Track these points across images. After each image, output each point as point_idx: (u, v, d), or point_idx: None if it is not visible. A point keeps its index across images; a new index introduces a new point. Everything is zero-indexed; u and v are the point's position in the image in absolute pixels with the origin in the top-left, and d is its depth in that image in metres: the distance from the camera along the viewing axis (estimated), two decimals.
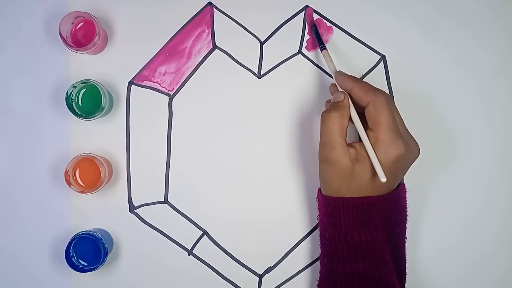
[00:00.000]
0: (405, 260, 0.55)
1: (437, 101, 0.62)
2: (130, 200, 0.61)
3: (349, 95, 0.53)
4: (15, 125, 0.61)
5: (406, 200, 0.55)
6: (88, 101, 0.59)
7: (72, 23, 0.59)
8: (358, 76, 0.62)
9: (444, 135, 0.62)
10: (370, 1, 0.62)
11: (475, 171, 0.62)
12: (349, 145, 0.51)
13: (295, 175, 0.61)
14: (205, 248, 0.61)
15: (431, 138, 0.62)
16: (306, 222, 0.61)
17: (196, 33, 0.62)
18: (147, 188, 0.61)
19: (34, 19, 0.61)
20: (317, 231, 0.61)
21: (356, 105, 0.52)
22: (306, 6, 0.62)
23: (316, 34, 0.60)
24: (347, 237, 0.50)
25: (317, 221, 0.61)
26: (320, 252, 0.54)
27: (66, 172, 0.57)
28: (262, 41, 0.62)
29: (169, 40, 0.61)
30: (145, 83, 0.61)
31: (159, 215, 0.61)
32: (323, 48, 0.58)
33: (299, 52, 0.62)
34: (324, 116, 0.51)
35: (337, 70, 0.55)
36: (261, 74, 0.62)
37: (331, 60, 0.57)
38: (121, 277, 0.60)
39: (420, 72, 0.62)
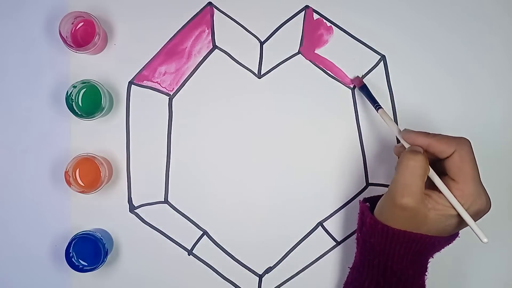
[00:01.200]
0: None
1: (437, 101, 0.62)
2: (130, 200, 0.61)
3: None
4: (15, 125, 0.61)
5: (447, 244, 0.52)
6: (88, 101, 0.59)
7: (72, 23, 0.59)
8: (358, 77, 0.62)
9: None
10: (370, 1, 0.62)
11: None
12: (425, 192, 0.47)
13: (296, 175, 0.61)
14: (205, 248, 0.61)
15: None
16: (306, 222, 0.61)
17: (196, 33, 0.62)
18: (147, 188, 0.61)
19: (34, 19, 0.61)
20: (317, 232, 0.61)
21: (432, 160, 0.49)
22: (306, 6, 0.62)
23: (368, 94, 0.58)
24: (402, 271, 0.48)
25: (316, 222, 0.61)
26: (353, 265, 0.54)
27: (66, 172, 0.57)
28: (262, 41, 0.62)
29: (169, 40, 0.61)
30: (145, 83, 0.61)
31: (159, 215, 0.61)
32: (378, 107, 0.56)
33: (299, 52, 0.62)
34: (410, 155, 0.47)
35: (403, 129, 0.52)
36: (261, 74, 0.62)
37: (391, 118, 0.55)
38: (121, 277, 0.60)
39: (420, 72, 0.62)
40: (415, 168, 0.46)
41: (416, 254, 0.48)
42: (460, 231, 0.50)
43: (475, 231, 0.46)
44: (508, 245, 0.62)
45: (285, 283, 0.61)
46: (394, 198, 0.47)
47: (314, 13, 0.62)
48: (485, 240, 0.45)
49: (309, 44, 0.62)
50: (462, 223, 0.48)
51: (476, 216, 0.47)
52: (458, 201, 0.46)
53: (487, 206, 0.47)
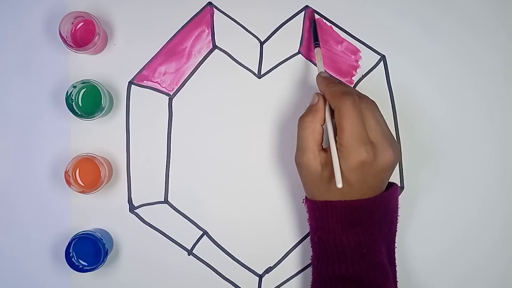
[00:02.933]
0: (394, 261, 0.55)
1: (437, 101, 0.62)
2: (130, 200, 0.61)
3: None
4: (15, 125, 0.61)
5: (397, 202, 0.55)
6: (88, 101, 0.59)
7: (72, 23, 0.59)
8: (358, 76, 0.62)
9: (444, 135, 0.62)
10: (370, 1, 0.62)
11: (476, 171, 0.62)
12: (324, 149, 0.51)
13: (296, 175, 0.61)
14: (205, 248, 0.61)
15: (431, 138, 0.62)
16: (306, 222, 0.61)
17: (196, 33, 0.62)
18: (147, 188, 0.61)
19: (34, 19, 0.61)
20: None
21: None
22: (306, 6, 0.62)
23: (314, 30, 0.59)
24: (335, 240, 0.50)
25: None
26: (311, 255, 0.54)
27: (66, 172, 0.57)
28: (262, 41, 0.62)
29: (169, 40, 0.61)
30: (145, 83, 0.61)
31: (159, 215, 0.61)
32: (316, 45, 0.58)
33: (299, 52, 0.62)
34: (299, 121, 0.52)
35: (322, 71, 0.55)
36: (261, 74, 0.62)
37: (321, 59, 0.57)
38: (121, 277, 0.60)
39: (420, 72, 0.62)
40: (303, 131, 0.51)
41: (347, 222, 0.50)
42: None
43: (335, 174, 0.48)
44: (509, 245, 0.62)
45: (285, 283, 0.61)
46: (295, 162, 0.52)
47: (314, 13, 0.62)
48: (339, 185, 0.47)
49: (309, 44, 0.62)
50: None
51: (364, 168, 0.48)
52: (338, 153, 0.49)
53: (376, 158, 0.49)
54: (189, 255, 0.61)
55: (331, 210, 0.50)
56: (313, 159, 0.50)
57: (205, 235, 0.61)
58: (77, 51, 0.58)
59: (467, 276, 0.61)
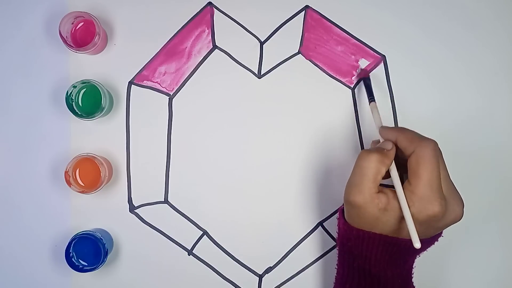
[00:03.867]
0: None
1: (437, 101, 0.62)
2: (130, 200, 0.61)
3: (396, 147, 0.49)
4: (15, 125, 0.61)
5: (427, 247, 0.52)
6: (88, 101, 0.59)
7: (72, 23, 0.59)
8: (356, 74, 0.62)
9: (444, 134, 0.62)
10: (370, 1, 0.62)
11: (475, 171, 0.62)
12: (381, 191, 0.47)
13: (295, 175, 0.61)
14: (205, 248, 0.61)
15: (430, 138, 0.61)
16: (306, 222, 0.61)
17: (196, 33, 0.62)
18: (147, 188, 0.61)
19: (34, 19, 0.61)
20: (317, 232, 0.61)
21: (402, 158, 0.49)
22: (306, 6, 0.62)
23: (368, 87, 0.58)
24: (380, 273, 0.48)
25: (316, 222, 0.61)
26: (336, 271, 0.53)
27: (66, 172, 0.57)
28: (262, 41, 0.62)
29: (169, 40, 0.61)
30: (145, 83, 0.61)
31: (159, 215, 0.61)
32: (371, 100, 0.57)
33: (299, 52, 0.62)
34: (363, 154, 0.47)
35: (382, 125, 0.53)
36: (261, 74, 0.62)
37: (378, 113, 0.55)
38: (121, 277, 0.60)
39: (420, 72, 0.62)
40: (365, 169, 0.46)
41: (393, 256, 0.48)
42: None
43: (411, 233, 0.44)
44: (508, 245, 0.62)
45: (285, 283, 0.61)
46: (345, 196, 0.48)
47: (314, 13, 0.62)
48: (417, 245, 0.44)
49: (309, 44, 0.62)
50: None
51: (431, 222, 0.46)
52: (407, 201, 0.45)
53: (447, 214, 0.46)
54: (189, 255, 0.61)
55: (382, 244, 0.47)
56: (370, 201, 0.46)
57: (205, 235, 0.61)
58: (77, 51, 0.58)
59: (466, 275, 0.61)
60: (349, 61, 0.62)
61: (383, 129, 0.51)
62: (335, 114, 0.61)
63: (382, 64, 0.62)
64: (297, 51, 0.62)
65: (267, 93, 0.62)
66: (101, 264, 0.56)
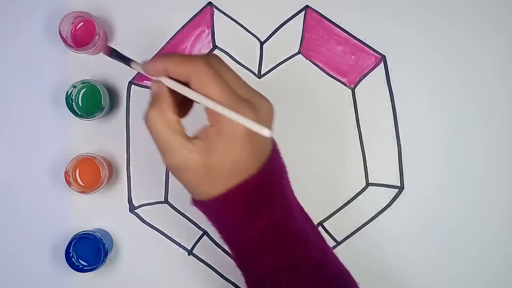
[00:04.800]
0: (309, 218, 0.48)
1: (437, 101, 0.62)
2: (130, 200, 0.61)
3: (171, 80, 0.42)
4: (15, 125, 0.61)
5: (281, 159, 0.46)
6: (88, 101, 0.59)
7: (72, 23, 0.59)
8: (358, 76, 0.62)
9: (444, 134, 0.62)
10: (370, 1, 0.62)
11: (475, 171, 0.62)
12: (193, 138, 0.40)
13: (295, 174, 0.61)
14: (205, 248, 0.61)
15: (430, 138, 0.62)
16: None
17: (196, 33, 0.62)
18: (147, 188, 0.61)
19: (34, 19, 0.61)
20: None
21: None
22: (307, 6, 0.62)
23: (120, 57, 0.48)
24: (246, 233, 0.42)
25: (316, 222, 0.61)
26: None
27: (66, 172, 0.57)
28: (262, 41, 0.62)
29: (169, 40, 0.61)
30: (145, 83, 0.61)
31: (159, 215, 0.61)
32: (129, 61, 0.46)
33: (299, 52, 0.62)
34: (145, 121, 0.41)
35: (146, 62, 0.43)
36: (261, 74, 0.62)
37: (138, 63, 0.45)
38: (121, 277, 0.60)
39: (420, 72, 0.62)
40: (155, 128, 0.41)
41: (253, 205, 0.41)
42: None
43: (250, 127, 0.38)
44: (509, 245, 0.62)
45: None
46: (168, 167, 0.42)
47: (314, 13, 0.62)
48: (266, 133, 0.38)
49: (309, 44, 0.62)
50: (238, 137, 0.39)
51: (251, 130, 0.39)
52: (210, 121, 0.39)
53: (260, 113, 0.41)
54: (189, 255, 0.61)
55: (229, 203, 0.41)
56: (188, 153, 0.40)
57: (205, 235, 0.61)
58: (77, 51, 0.58)
59: (466, 275, 0.61)
60: (349, 61, 0.62)
61: (147, 65, 0.42)
62: (335, 114, 0.61)
63: (382, 64, 0.62)
64: (297, 51, 0.62)
65: (267, 93, 0.62)
66: (101, 264, 0.56)
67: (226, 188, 0.40)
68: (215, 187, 0.41)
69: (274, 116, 0.44)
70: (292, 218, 0.44)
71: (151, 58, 0.43)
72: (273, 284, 0.42)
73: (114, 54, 0.48)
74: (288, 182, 0.46)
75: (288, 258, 0.42)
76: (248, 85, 0.43)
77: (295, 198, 0.46)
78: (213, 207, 0.42)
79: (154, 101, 0.41)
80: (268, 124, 0.43)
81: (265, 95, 0.62)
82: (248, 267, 0.43)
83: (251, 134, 0.39)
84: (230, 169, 0.40)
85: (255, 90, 0.44)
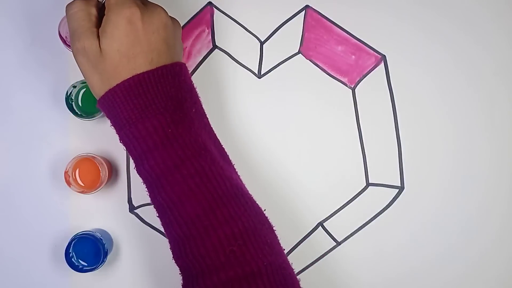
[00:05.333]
0: (219, 142, 0.51)
1: (437, 101, 0.62)
2: (130, 200, 0.61)
3: None
4: (15, 125, 0.61)
5: (190, 78, 0.50)
6: (88, 101, 0.59)
7: None
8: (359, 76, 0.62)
9: (445, 135, 0.62)
10: (370, 1, 0.62)
11: (475, 171, 0.62)
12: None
13: (295, 175, 0.61)
14: None
15: (431, 138, 0.62)
16: (306, 222, 0.61)
17: (196, 33, 0.62)
18: None
19: (34, 19, 0.61)
20: (317, 232, 0.61)
21: None
22: (307, 6, 0.62)
23: None
24: (132, 130, 0.45)
25: (316, 222, 0.61)
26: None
27: (66, 172, 0.57)
28: (262, 41, 0.62)
29: None
30: None
31: None
32: None
33: (299, 52, 0.62)
34: (68, 6, 0.48)
35: None
36: (261, 74, 0.62)
37: None
38: (121, 277, 0.60)
39: (420, 72, 0.62)
40: (75, 14, 0.46)
41: (139, 103, 0.44)
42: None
43: None
44: (509, 245, 0.62)
45: None
46: (72, 49, 0.47)
47: (314, 12, 0.62)
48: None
49: (309, 44, 0.62)
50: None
51: (133, 24, 0.45)
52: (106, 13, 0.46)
53: (146, 13, 0.45)
54: None
55: (116, 96, 0.45)
56: (93, 39, 0.45)
57: None
58: None
59: (466, 275, 0.61)
60: (349, 61, 0.62)
61: None
62: (335, 114, 0.61)
63: (382, 64, 0.62)
64: (297, 51, 0.62)
65: (267, 93, 0.62)
66: (101, 264, 0.56)
67: (116, 81, 0.45)
68: (106, 82, 0.45)
69: (169, 25, 0.47)
70: (188, 129, 0.45)
71: None
72: (156, 181, 0.44)
73: None
74: (199, 104, 0.49)
75: (174, 158, 0.44)
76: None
77: (203, 119, 0.49)
78: (104, 103, 0.46)
79: None
80: (154, 23, 0.46)
81: (265, 95, 0.62)
82: (138, 165, 0.46)
83: (133, 20, 0.44)
84: (117, 56, 0.44)
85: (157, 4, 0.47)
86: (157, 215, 0.47)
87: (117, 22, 0.45)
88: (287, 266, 0.47)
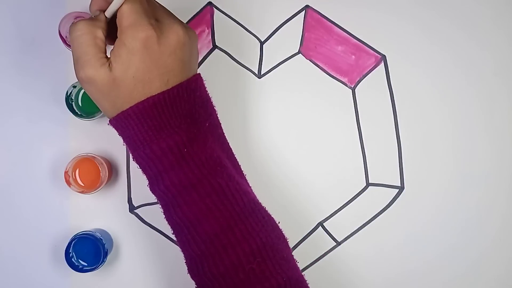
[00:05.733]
0: (231, 152, 0.50)
1: (438, 100, 0.62)
2: (130, 200, 0.61)
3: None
4: (15, 125, 0.61)
5: (205, 90, 0.48)
6: (88, 101, 0.59)
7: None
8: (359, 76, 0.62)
9: (444, 135, 0.62)
10: (370, 1, 0.62)
11: (475, 171, 0.62)
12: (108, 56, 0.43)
13: (295, 175, 0.61)
14: None
15: (431, 138, 0.62)
16: (306, 222, 0.61)
17: (196, 33, 0.62)
18: (147, 188, 0.61)
19: (33, 19, 0.61)
20: (317, 232, 0.61)
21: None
22: (307, 6, 0.62)
23: None
24: (146, 152, 0.43)
25: (316, 222, 0.61)
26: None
27: (66, 172, 0.57)
28: (262, 41, 0.62)
29: None
30: None
31: (159, 215, 0.60)
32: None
33: (299, 52, 0.62)
34: (72, 27, 0.43)
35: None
36: (261, 74, 0.62)
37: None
38: (121, 277, 0.60)
39: (420, 72, 0.62)
40: (79, 37, 0.42)
41: (154, 125, 0.43)
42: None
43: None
44: (509, 245, 0.62)
45: None
46: (77, 76, 0.43)
47: (314, 12, 0.62)
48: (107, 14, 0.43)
49: (309, 44, 0.62)
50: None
51: (152, 45, 0.42)
52: (119, 35, 0.43)
53: (163, 33, 0.43)
54: None
55: (130, 119, 0.43)
56: (100, 66, 0.42)
57: None
58: None
59: (466, 275, 0.61)
60: (349, 61, 0.62)
61: (92, 4, 0.46)
62: (335, 114, 0.61)
63: (382, 64, 0.62)
64: (297, 51, 0.62)
65: (267, 93, 0.62)
66: (101, 264, 0.56)
67: (129, 104, 0.43)
68: (119, 103, 0.43)
69: (186, 44, 0.44)
70: (203, 146, 0.44)
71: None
72: (172, 200, 0.44)
73: None
74: (214, 115, 0.48)
75: (191, 177, 0.43)
76: (161, 6, 0.45)
77: (217, 130, 0.48)
78: (118, 124, 0.44)
79: (89, 18, 0.44)
80: (171, 45, 0.43)
81: (265, 95, 0.62)
82: (152, 185, 0.45)
83: (149, 45, 0.42)
84: (133, 82, 0.42)
85: (169, 12, 0.46)
86: (172, 232, 0.47)
87: (132, 48, 0.42)
88: (303, 279, 0.47)
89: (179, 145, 0.43)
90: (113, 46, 0.44)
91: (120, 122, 0.44)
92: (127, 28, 0.42)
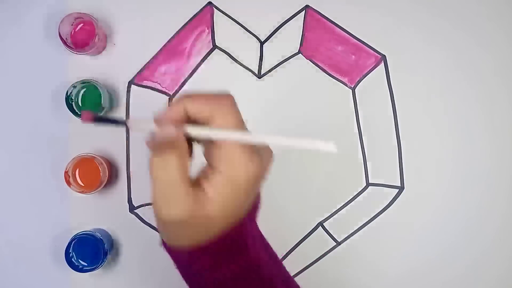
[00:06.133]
0: (271, 249, 0.45)
1: (438, 100, 0.62)
2: (130, 200, 0.61)
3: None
4: (15, 125, 0.61)
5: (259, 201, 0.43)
6: (88, 101, 0.59)
7: (72, 24, 0.59)
8: (358, 77, 0.62)
9: (445, 134, 0.62)
10: (370, 1, 0.62)
11: (475, 171, 0.62)
12: (196, 187, 0.35)
13: (295, 175, 0.61)
14: None
15: (431, 138, 0.62)
16: (306, 222, 0.61)
17: (196, 33, 0.62)
18: (147, 188, 0.61)
19: (34, 20, 0.61)
20: (317, 232, 0.61)
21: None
22: (307, 6, 0.62)
23: (108, 121, 0.38)
24: (204, 279, 0.39)
25: (316, 222, 0.61)
26: None
27: (66, 172, 0.57)
28: (262, 41, 0.62)
29: (169, 40, 0.61)
30: (145, 83, 0.61)
31: None
32: (122, 123, 0.39)
33: (299, 52, 0.62)
34: (155, 162, 0.35)
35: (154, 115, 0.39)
36: (261, 74, 0.62)
37: (141, 121, 0.40)
38: (121, 277, 0.60)
39: (420, 72, 0.62)
40: (170, 172, 0.35)
41: (221, 257, 0.38)
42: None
43: (313, 146, 0.35)
44: (509, 245, 0.62)
45: None
46: (159, 217, 0.36)
47: (314, 12, 0.62)
48: (332, 147, 0.34)
49: (309, 44, 0.62)
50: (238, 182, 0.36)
51: (257, 182, 0.37)
52: (215, 166, 0.36)
53: (263, 168, 0.39)
54: None
55: (206, 252, 0.37)
56: (193, 205, 0.34)
57: None
58: (77, 53, 0.58)
59: (466, 275, 0.61)
60: (349, 61, 0.62)
61: (159, 117, 0.39)
62: (335, 114, 0.61)
63: (382, 64, 0.62)
64: (297, 51, 0.62)
65: (267, 93, 0.62)
66: (101, 264, 0.56)
67: (206, 239, 0.36)
68: (196, 237, 0.36)
69: (272, 158, 0.41)
70: (264, 262, 0.40)
71: (156, 115, 0.38)
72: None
73: (99, 120, 0.36)
74: (256, 229, 0.43)
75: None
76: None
77: (263, 239, 0.44)
78: (186, 256, 0.38)
79: (170, 146, 0.35)
80: (266, 169, 0.39)
81: (265, 95, 0.62)
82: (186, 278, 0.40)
83: (250, 183, 0.36)
84: (225, 223, 0.36)
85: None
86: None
87: (233, 183, 0.35)
88: None
89: (235, 273, 0.38)
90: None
91: (191, 254, 0.38)
92: (238, 158, 0.36)
